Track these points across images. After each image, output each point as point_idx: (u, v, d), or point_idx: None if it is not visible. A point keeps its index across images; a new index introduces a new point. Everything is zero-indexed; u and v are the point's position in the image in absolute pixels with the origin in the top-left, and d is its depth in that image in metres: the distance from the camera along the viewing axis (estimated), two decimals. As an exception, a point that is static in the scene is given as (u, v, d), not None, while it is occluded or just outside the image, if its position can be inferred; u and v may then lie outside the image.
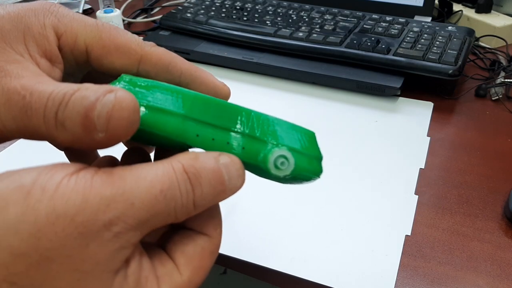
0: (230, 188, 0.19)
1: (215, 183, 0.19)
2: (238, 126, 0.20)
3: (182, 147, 0.20)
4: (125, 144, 0.26)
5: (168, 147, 0.21)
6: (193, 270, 0.20)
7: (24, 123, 0.18)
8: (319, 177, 0.23)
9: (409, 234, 0.38)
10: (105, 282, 0.16)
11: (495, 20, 0.70)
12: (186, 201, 0.18)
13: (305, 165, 0.21)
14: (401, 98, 0.56)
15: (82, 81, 0.26)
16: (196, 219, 0.21)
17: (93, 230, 0.16)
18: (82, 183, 0.16)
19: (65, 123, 0.17)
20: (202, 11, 0.68)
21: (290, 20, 0.65)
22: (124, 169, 0.17)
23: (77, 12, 0.29)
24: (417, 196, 0.42)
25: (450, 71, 0.53)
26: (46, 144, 0.27)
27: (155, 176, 0.17)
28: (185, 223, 0.21)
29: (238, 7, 0.69)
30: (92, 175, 0.17)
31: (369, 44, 0.57)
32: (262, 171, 0.21)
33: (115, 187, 0.16)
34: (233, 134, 0.20)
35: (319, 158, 0.23)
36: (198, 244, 0.20)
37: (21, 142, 0.48)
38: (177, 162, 0.18)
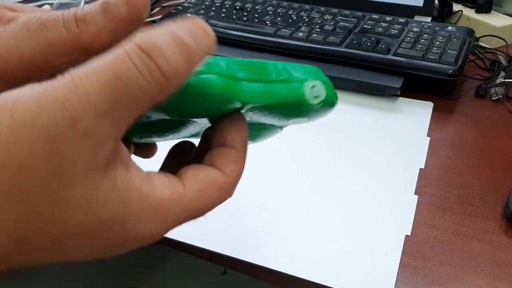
0: (199, 47, 0.18)
1: (179, 46, 0.17)
2: (272, 75, 0.23)
3: (222, 110, 0.23)
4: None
5: (207, 114, 0.23)
6: (199, 191, 0.20)
7: (44, 35, 0.19)
8: (337, 103, 0.26)
9: (409, 234, 0.38)
10: (92, 181, 0.16)
11: (495, 20, 0.70)
12: (151, 76, 0.16)
13: (330, 91, 0.24)
14: (401, 98, 0.56)
15: None
16: (217, 157, 0.21)
17: (57, 132, 0.15)
18: (36, 91, 0.16)
19: (86, 17, 0.19)
20: (202, 11, 0.68)
21: (290, 20, 0.65)
22: (74, 70, 0.17)
23: None
24: (417, 196, 0.42)
25: (450, 71, 0.53)
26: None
27: (103, 64, 0.16)
28: (204, 160, 0.21)
29: (238, 7, 0.70)
30: (46, 84, 0.16)
31: (369, 44, 0.57)
32: (302, 105, 0.24)
33: (64, 85, 0.16)
34: (269, 83, 0.23)
35: (333, 85, 0.25)
36: (211, 173, 0.20)
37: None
38: (129, 42, 0.17)
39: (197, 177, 0.20)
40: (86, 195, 0.16)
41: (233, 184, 0.21)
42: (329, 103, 0.25)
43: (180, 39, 0.17)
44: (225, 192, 0.21)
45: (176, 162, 0.26)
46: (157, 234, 0.19)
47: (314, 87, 0.24)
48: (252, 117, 0.25)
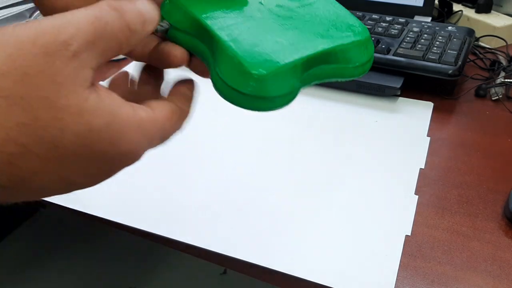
0: (150, 17, 0.23)
1: (138, 13, 0.23)
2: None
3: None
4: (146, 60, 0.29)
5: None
6: (167, 117, 0.24)
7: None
8: None
9: (409, 234, 0.38)
10: (81, 94, 0.20)
11: (495, 20, 0.70)
12: (120, 23, 0.22)
13: None
14: (401, 98, 0.56)
15: None
16: (175, 95, 0.26)
17: (55, 49, 0.19)
18: (34, 21, 0.20)
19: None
20: (202, 11, 0.68)
21: (290, 20, 0.65)
22: (63, 13, 0.21)
23: None
24: (417, 196, 0.42)
25: (450, 71, 0.53)
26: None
27: (85, 10, 0.21)
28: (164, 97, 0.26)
29: (238, 7, 0.69)
30: (41, 19, 0.20)
31: (369, 44, 0.57)
32: None
33: (59, 19, 0.20)
34: None
35: None
36: (171, 106, 0.25)
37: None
38: (102, 2, 0.22)
39: (163, 107, 0.24)
40: (78, 105, 0.20)
41: (184, 117, 0.26)
42: None
43: (138, 8, 0.23)
44: (181, 122, 0.26)
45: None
46: (141, 150, 0.23)
47: None
48: None
